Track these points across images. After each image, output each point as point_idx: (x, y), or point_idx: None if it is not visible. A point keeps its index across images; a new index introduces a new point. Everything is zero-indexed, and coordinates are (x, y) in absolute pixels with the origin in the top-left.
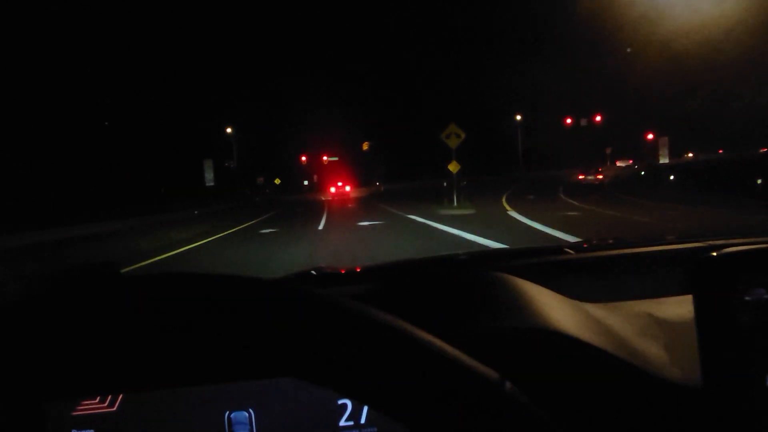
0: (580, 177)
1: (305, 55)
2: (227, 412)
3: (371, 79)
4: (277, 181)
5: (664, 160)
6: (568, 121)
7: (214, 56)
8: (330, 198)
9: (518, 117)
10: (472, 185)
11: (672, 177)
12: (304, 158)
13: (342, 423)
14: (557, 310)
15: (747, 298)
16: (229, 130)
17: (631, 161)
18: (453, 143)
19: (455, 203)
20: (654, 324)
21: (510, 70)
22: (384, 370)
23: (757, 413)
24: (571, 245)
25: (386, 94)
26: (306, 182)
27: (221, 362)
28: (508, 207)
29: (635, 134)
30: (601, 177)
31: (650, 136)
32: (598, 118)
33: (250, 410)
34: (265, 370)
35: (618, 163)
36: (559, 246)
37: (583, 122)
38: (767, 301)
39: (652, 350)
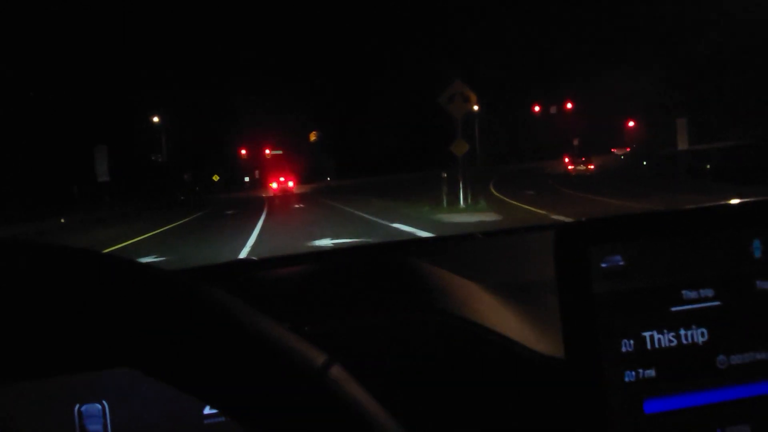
0: (570, 168)
1: (245, 37)
2: (77, 406)
3: (319, 59)
4: (216, 178)
5: (683, 145)
6: (536, 108)
7: (143, 39)
8: (272, 195)
9: (475, 107)
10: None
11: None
12: (243, 151)
13: (207, 411)
14: (460, 293)
15: (603, 265)
16: (156, 119)
17: (628, 149)
18: (458, 110)
19: (462, 202)
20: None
21: (458, 48)
22: (202, 357)
23: (611, 382)
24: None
25: (337, 76)
26: (247, 178)
27: (32, 350)
28: (535, 208)
29: (614, 122)
30: (592, 167)
31: (631, 124)
32: (569, 105)
33: (104, 402)
34: (89, 360)
35: (614, 151)
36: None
37: (553, 110)
38: (623, 268)
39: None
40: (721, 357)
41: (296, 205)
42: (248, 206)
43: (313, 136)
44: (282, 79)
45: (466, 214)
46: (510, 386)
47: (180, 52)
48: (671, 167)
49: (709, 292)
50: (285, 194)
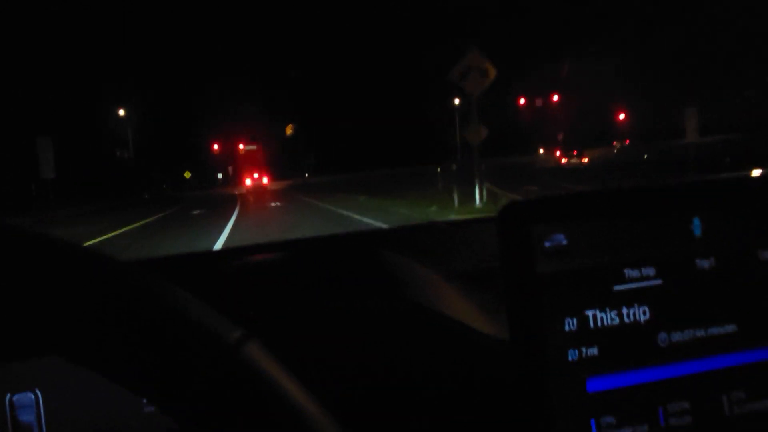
0: (563, 161)
1: (219, 26)
2: (8, 395)
3: (295, 48)
4: (187, 175)
5: (692, 138)
6: (522, 101)
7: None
8: (245, 191)
9: (456, 101)
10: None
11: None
12: (216, 146)
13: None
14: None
15: (546, 244)
16: (121, 112)
17: (627, 141)
18: (475, 86)
19: (479, 201)
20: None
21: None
22: (115, 335)
23: (554, 361)
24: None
25: (315, 66)
26: (220, 175)
27: None
28: None
29: (604, 114)
30: (586, 160)
31: (621, 116)
32: (555, 98)
33: (37, 391)
34: (12, 348)
35: (615, 144)
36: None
37: (539, 102)
38: (566, 247)
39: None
40: (663, 335)
41: (273, 203)
42: (218, 205)
43: (289, 130)
44: (257, 71)
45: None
46: (459, 368)
47: (150, 42)
48: (679, 161)
49: (650, 271)
50: (259, 191)
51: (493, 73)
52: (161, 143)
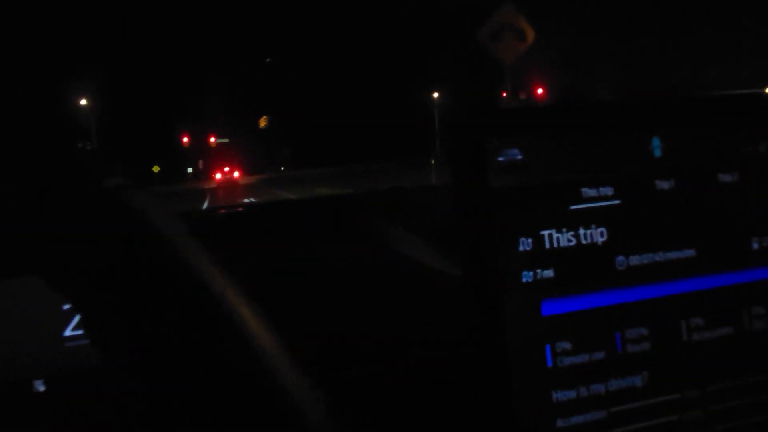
0: None
1: (189, 11)
2: None
3: (271, 35)
4: (156, 169)
5: None
6: (503, 94)
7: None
8: (215, 187)
9: (435, 94)
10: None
11: None
12: (186, 139)
13: (67, 333)
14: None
15: (500, 159)
16: (83, 101)
17: None
18: (509, 52)
19: None
20: None
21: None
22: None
23: (507, 282)
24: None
25: (294, 54)
26: (191, 169)
27: None
28: None
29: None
30: None
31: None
32: (540, 91)
33: None
34: None
35: None
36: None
37: (522, 96)
38: (521, 162)
39: None
40: (620, 258)
41: (244, 200)
42: (183, 201)
43: (263, 122)
44: (231, 58)
45: None
46: (422, 302)
47: (119, 29)
48: None
49: (608, 191)
50: (230, 186)
51: (531, 35)
52: (129, 136)
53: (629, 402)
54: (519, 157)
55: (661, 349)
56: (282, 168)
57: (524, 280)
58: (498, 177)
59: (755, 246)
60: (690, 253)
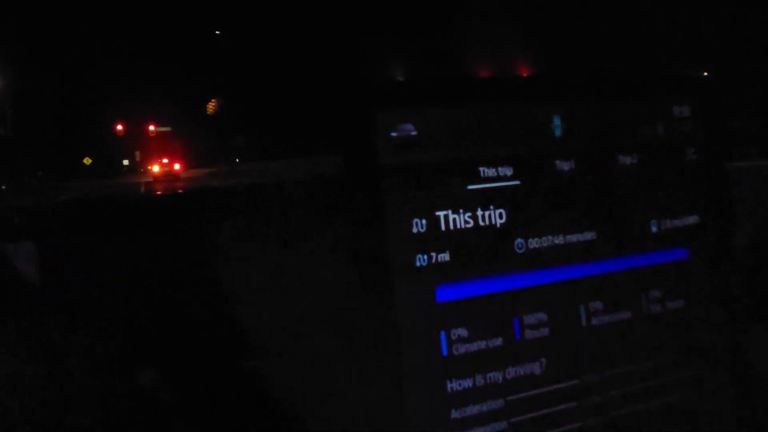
0: None
1: None
2: None
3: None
4: (87, 161)
5: None
6: None
7: None
8: (151, 180)
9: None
10: None
11: None
12: (119, 127)
13: None
14: None
15: (393, 134)
16: None
17: None
18: None
19: None
20: None
21: None
22: None
23: (400, 266)
24: None
25: (249, 28)
26: (126, 161)
27: None
28: None
29: None
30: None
31: None
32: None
33: None
34: None
35: None
36: None
37: None
38: (415, 138)
39: None
40: (519, 240)
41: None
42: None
43: (211, 107)
44: (171, 32)
45: None
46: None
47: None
48: None
49: (508, 171)
50: (170, 181)
51: None
52: (54, 122)
53: (527, 390)
54: (413, 133)
55: (560, 334)
56: (237, 160)
57: (418, 263)
58: (390, 153)
59: (654, 229)
60: (590, 235)
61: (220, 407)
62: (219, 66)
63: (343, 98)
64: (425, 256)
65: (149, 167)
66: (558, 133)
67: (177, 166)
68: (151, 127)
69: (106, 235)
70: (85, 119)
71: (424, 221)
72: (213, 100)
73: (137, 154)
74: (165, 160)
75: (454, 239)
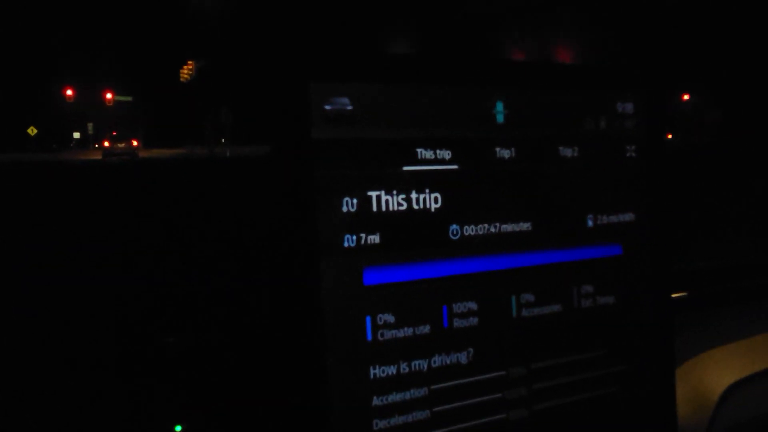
0: None
1: None
2: None
3: None
4: (32, 131)
5: None
6: None
7: None
8: (101, 158)
9: None
10: None
11: None
12: (69, 92)
13: None
14: None
15: (327, 107)
16: None
17: None
18: None
19: None
20: None
21: None
22: None
23: (327, 246)
24: None
25: None
26: (78, 134)
27: None
28: None
29: None
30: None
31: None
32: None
33: None
34: None
35: None
36: None
37: None
38: (351, 113)
39: None
40: (454, 227)
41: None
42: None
43: (186, 73)
44: None
45: None
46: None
47: None
48: None
49: (446, 154)
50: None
51: None
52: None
53: (452, 379)
54: (349, 108)
55: (490, 325)
56: (222, 140)
57: (346, 244)
58: (322, 127)
59: (590, 224)
60: (526, 226)
61: (136, 382)
62: (198, 22)
63: (277, 68)
64: (354, 237)
65: (102, 143)
66: (500, 119)
67: (135, 144)
68: (109, 95)
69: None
70: (28, 79)
71: (355, 200)
72: (190, 64)
73: (90, 126)
74: (114, 133)
75: (386, 221)
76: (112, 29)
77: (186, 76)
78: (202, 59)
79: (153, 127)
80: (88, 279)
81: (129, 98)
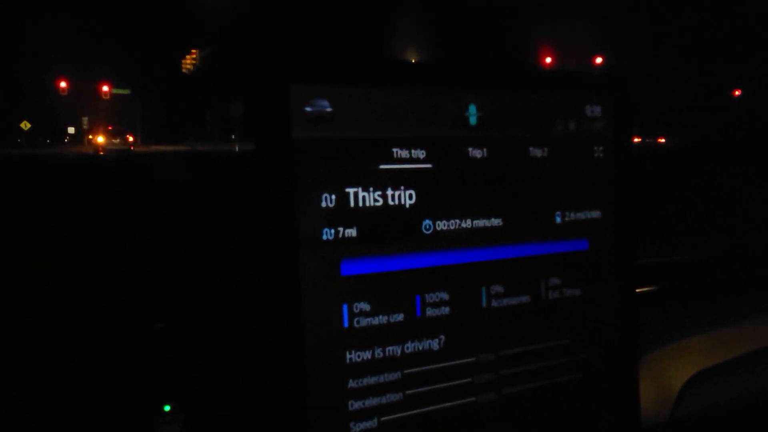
0: None
1: None
2: None
3: None
4: (25, 126)
5: None
6: None
7: None
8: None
9: None
10: None
11: None
12: (63, 84)
13: None
14: None
15: (308, 109)
16: None
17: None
18: None
19: None
20: None
21: None
22: None
23: (306, 239)
24: None
25: None
26: (72, 129)
27: None
28: None
29: None
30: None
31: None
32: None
33: None
34: None
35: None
36: None
37: None
38: (330, 114)
39: None
40: (427, 222)
41: None
42: None
43: (189, 63)
44: None
45: None
46: None
47: None
48: None
49: (420, 153)
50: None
51: None
52: None
53: (424, 364)
54: (328, 109)
55: (460, 314)
56: (232, 136)
57: (324, 237)
58: (303, 128)
59: (558, 220)
60: (496, 222)
61: (127, 365)
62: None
63: (261, 70)
64: (332, 231)
65: (95, 138)
66: (473, 121)
67: (130, 139)
68: (105, 88)
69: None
70: (19, 70)
71: (333, 196)
72: (194, 53)
73: (84, 120)
74: (110, 128)
75: (363, 216)
76: (108, 16)
77: (189, 66)
78: (207, 47)
79: (153, 122)
80: (80, 269)
81: (127, 91)
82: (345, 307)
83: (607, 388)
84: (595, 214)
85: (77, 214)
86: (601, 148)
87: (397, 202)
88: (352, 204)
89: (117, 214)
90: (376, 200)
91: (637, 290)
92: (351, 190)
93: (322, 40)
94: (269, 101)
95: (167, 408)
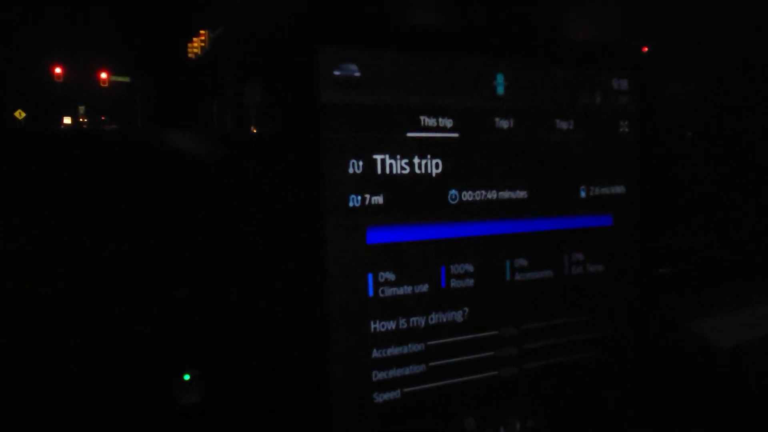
0: None
1: None
2: None
3: None
4: (20, 114)
5: None
6: None
7: None
8: None
9: None
10: None
11: None
12: (58, 71)
13: None
14: None
15: (336, 72)
16: None
17: None
18: None
19: None
20: None
21: None
22: None
23: (333, 205)
24: None
25: None
26: (68, 119)
27: None
28: None
29: None
30: None
31: None
32: None
33: None
34: None
35: None
36: None
37: None
38: (358, 79)
39: None
40: (453, 192)
41: None
42: None
43: (196, 45)
44: None
45: None
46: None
47: None
48: None
49: (448, 122)
50: None
51: None
52: None
53: (448, 336)
54: (356, 74)
55: (484, 286)
56: (252, 128)
57: (351, 204)
58: (331, 92)
59: (582, 194)
60: (522, 194)
61: (147, 333)
62: None
63: (287, 33)
64: (359, 197)
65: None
66: (500, 91)
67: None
68: (104, 75)
69: None
70: (13, 56)
71: (361, 163)
72: (203, 34)
73: (81, 109)
74: (103, 118)
75: (389, 184)
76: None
77: (196, 50)
78: (218, 27)
79: (155, 112)
80: (98, 238)
81: (127, 79)
82: (370, 276)
83: (623, 366)
84: (620, 189)
85: (106, 184)
86: (626, 123)
87: (423, 171)
88: (379, 171)
89: (141, 185)
90: (403, 168)
91: (660, 270)
92: (378, 157)
93: (350, 3)
94: (297, 64)
95: (187, 377)
